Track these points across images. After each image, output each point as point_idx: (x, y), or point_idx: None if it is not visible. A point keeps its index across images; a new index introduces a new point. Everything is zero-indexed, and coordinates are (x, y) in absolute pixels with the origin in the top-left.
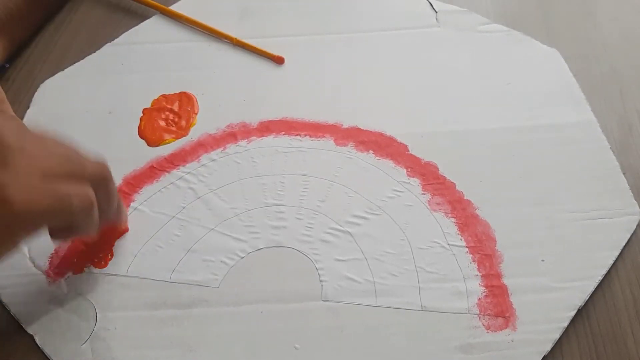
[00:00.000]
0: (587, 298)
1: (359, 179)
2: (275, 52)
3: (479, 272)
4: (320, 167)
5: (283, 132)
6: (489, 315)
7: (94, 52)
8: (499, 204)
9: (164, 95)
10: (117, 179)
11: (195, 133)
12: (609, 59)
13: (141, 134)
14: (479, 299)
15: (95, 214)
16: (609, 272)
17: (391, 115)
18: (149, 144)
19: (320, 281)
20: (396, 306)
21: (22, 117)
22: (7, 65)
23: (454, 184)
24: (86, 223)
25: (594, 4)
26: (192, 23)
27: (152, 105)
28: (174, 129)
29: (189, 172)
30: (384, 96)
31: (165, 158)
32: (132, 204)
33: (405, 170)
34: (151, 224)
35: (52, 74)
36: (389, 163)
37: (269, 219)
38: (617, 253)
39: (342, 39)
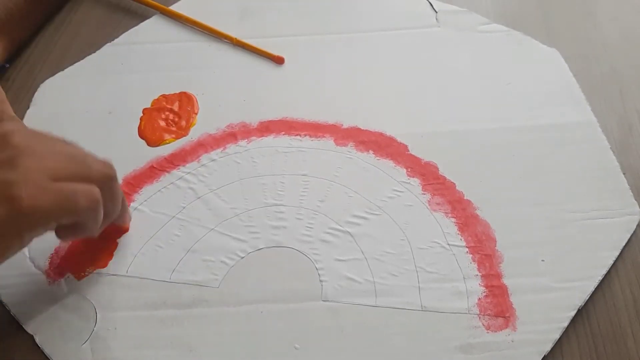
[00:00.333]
0: (587, 298)
1: (359, 179)
2: (275, 52)
3: (479, 272)
4: (320, 167)
5: (283, 132)
6: (489, 315)
7: (94, 52)
8: (499, 204)
9: (164, 95)
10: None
11: (195, 133)
12: (609, 59)
13: (141, 134)
14: (479, 299)
15: (100, 213)
16: (609, 272)
17: (391, 115)
18: (149, 144)
19: (320, 281)
20: (396, 306)
21: (22, 117)
22: (7, 65)
23: (454, 184)
24: (91, 222)
25: (594, 4)
26: (192, 23)
27: (152, 105)
28: (174, 129)
29: (189, 172)
30: (384, 96)
31: (165, 158)
32: (132, 204)
33: (405, 170)
34: (151, 224)
35: (52, 74)
36: (389, 163)
37: (269, 219)
38: (617, 253)
39: (342, 39)
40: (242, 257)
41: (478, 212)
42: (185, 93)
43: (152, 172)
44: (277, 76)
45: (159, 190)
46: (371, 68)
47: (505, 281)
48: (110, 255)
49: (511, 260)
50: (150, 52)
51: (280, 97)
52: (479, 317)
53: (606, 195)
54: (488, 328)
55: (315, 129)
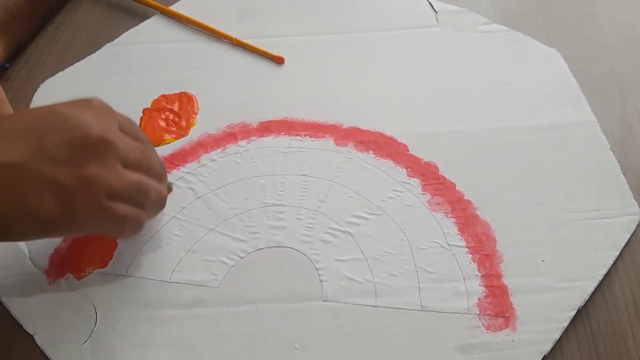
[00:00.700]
0: (587, 298)
1: (359, 179)
2: (275, 52)
3: (479, 272)
4: (320, 167)
5: (283, 132)
6: (489, 315)
7: (94, 52)
8: (499, 204)
9: (164, 95)
10: None
11: (195, 133)
12: (609, 59)
13: None
14: (479, 299)
15: (140, 231)
16: (609, 272)
17: (391, 115)
18: None
19: (320, 281)
20: (396, 306)
21: None
22: (7, 65)
23: (454, 184)
24: (127, 237)
25: (594, 4)
26: (192, 23)
27: (152, 105)
28: (174, 129)
29: (189, 172)
30: (384, 96)
31: (165, 158)
32: None
33: (405, 170)
34: (151, 224)
35: (52, 74)
36: (389, 163)
37: (269, 219)
38: (617, 253)
39: (342, 39)
40: (242, 257)
41: (478, 212)
42: (185, 93)
43: None
44: (277, 76)
45: None
46: (371, 68)
47: (505, 281)
48: (110, 255)
49: (511, 260)
50: (150, 52)
51: (280, 97)
52: (479, 317)
53: (606, 195)
54: (488, 328)
55: (315, 129)
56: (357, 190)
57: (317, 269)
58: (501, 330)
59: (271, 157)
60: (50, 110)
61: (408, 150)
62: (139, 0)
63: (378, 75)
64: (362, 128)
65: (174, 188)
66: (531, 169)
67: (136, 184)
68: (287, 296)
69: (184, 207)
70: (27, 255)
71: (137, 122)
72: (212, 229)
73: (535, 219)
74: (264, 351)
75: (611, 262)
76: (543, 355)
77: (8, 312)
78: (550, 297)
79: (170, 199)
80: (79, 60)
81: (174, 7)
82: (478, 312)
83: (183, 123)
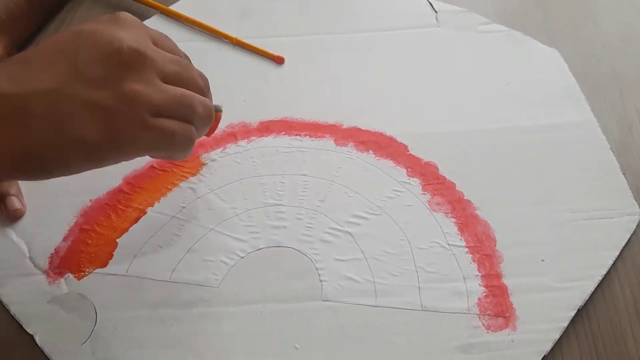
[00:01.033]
0: (587, 298)
1: (359, 179)
2: (275, 52)
3: (479, 272)
4: (320, 167)
5: (283, 132)
6: (489, 315)
7: None
8: (499, 204)
9: None
10: (117, 179)
11: None
12: (609, 59)
13: None
14: (479, 298)
15: (191, 149)
16: (609, 272)
17: (391, 115)
18: None
19: (320, 281)
20: (396, 306)
21: None
22: None
23: (454, 184)
24: (182, 155)
25: (594, 4)
26: (192, 23)
27: None
28: None
29: (189, 172)
30: (384, 96)
31: None
32: (132, 204)
33: (405, 170)
34: (151, 224)
35: None
36: (389, 163)
37: (269, 219)
38: (617, 253)
39: (342, 39)
40: (242, 257)
41: (478, 212)
42: None
43: (152, 172)
44: (277, 76)
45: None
46: (371, 68)
47: (505, 281)
48: (110, 255)
49: (511, 260)
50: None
51: (280, 97)
52: (479, 317)
53: (606, 195)
54: (488, 328)
55: (315, 129)
56: (357, 190)
57: (317, 269)
58: (501, 330)
59: (271, 157)
60: (77, 30)
61: (408, 150)
62: (139, 0)
63: (378, 75)
64: (362, 128)
65: (174, 187)
66: (531, 169)
67: (179, 98)
68: (287, 296)
69: (184, 207)
70: (27, 255)
71: None
72: (212, 228)
73: (535, 219)
74: (264, 351)
75: (611, 262)
76: (543, 355)
77: (8, 312)
78: (550, 297)
79: (170, 199)
80: None
81: (174, 7)
82: (478, 312)
83: None
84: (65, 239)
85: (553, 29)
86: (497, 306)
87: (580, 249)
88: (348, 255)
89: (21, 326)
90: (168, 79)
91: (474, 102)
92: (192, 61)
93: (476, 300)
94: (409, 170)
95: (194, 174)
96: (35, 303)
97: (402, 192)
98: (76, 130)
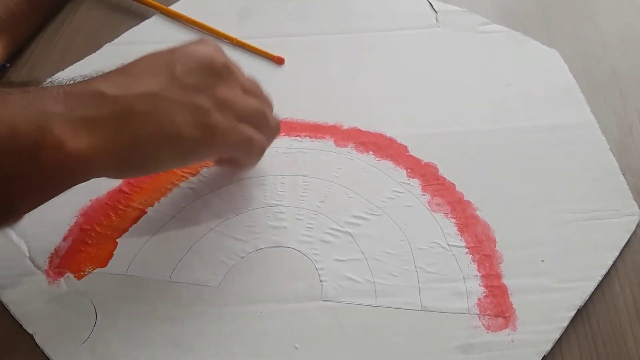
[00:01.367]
0: (587, 298)
1: (359, 180)
2: (275, 52)
3: (479, 273)
4: (321, 168)
5: (283, 133)
6: (488, 315)
7: (94, 52)
8: (499, 205)
9: None
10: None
11: None
12: (608, 60)
13: None
14: (479, 299)
15: (262, 156)
16: (608, 272)
17: (391, 115)
18: None
19: (320, 281)
20: (396, 306)
21: None
22: (8, 65)
23: (454, 184)
24: (254, 160)
25: (594, 4)
26: (192, 23)
27: None
28: None
29: (189, 172)
30: (384, 96)
31: None
32: (132, 204)
33: (405, 171)
34: (151, 223)
35: (52, 74)
36: (389, 164)
37: (269, 219)
38: (617, 253)
39: (342, 39)
40: (242, 257)
41: (478, 212)
42: None
43: None
44: (277, 76)
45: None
46: (371, 68)
47: (505, 281)
48: (110, 255)
49: (511, 261)
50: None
51: (280, 97)
52: (479, 317)
53: (606, 196)
54: (488, 328)
55: (315, 130)
56: (357, 190)
57: (317, 269)
58: (501, 330)
59: (271, 158)
60: (170, 50)
61: (408, 151)
62: (139, 0)
63: (378, 75)
64: (362, 129)
65: (174, 187)
66: (531, 169)
67: (257, 108)
68: (287, 296)
69: (184, 207)
70: (27, 255)
71: None
72: (212, 228)
73: (535, 219)
74: (264, 351)
75: (611, 263)
76: (543, 355)
77: (8, 312)
78: (550, 297)
79: (170, 199)
80: (79, 60)
81: (174, 7)
82: (478, 312)
83: None
84: (65, 239)
85: (553, 29)
86: (497, 306)
87: (580, 249)
88: (348, 256)
89: (21, 326)
90: (246, 91)
91: (473, 102)
92: None
93: (476, 301)
94: (409, 171)
95: (194, 174)
96: (35, 303)
97: (402, 192)
98: (175, 126)
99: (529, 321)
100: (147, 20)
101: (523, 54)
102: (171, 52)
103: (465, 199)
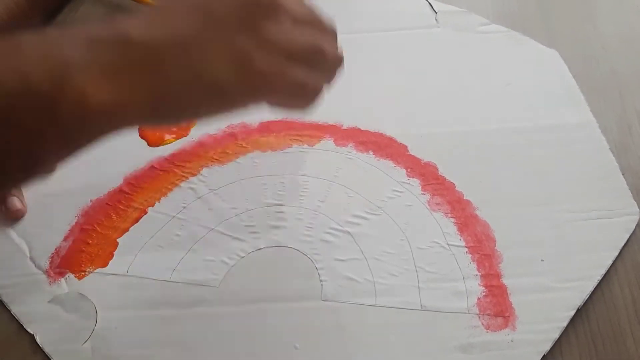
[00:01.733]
0: (586, 298)
1: (358, 180)
2: None
3: (479, 272)
4: (320, 168)
5: (283, 132)
6: (488, 314)
7: None
8: (499, 204)
9: None
10: (118, 179)
11: (195, 133)
12: (608, 60)
13: (142, 134)
14: (479, 298)
15: (318, 101)
16: (608, 272)
17: (391, 115)
18: (149, 144)
19: (320, 281)
20: (396, 306)
21: None
22: None
23: (454, 184)
24: (306, 107)
25: (594, 4)
26: None
27: None
28: (174, 129)
29: (189, 172)
30: (384, 96)
31: (165, 158)
32: (132, 204)
33: (405, 170)
34: (152, 223)
35: None
36: (388, 163)
37: (269, 219)
38: (616, 253)
39: (342, 39)
40: (242, 257)
41: (477, 212)
42: None
43: (152, 172)
44: None
45: (160, 190)
46: (371, 68)
47: (505, 281)
48: (111, 255)
49: (511, 260)
50: None
51: None
52: (479, 317)
53: (606, 196)
54: (487, 328)
55: (315, 129)
56: (357, 190)
57: (317, 269)
58: (501, 329)
59: (271, 158)
60: None
61: (408, 151)
62: (139, 0)
63: (378, 75)
64: (362, 128)
65: (174, 187)
66: (531, 169)
67: (311, 43)
68: (287, 296)
69: (184, 207)
70: (28, 255)
71: None
72: (213, 228)
73: (535, 218)
74: (264, 351)
75: (610, 262)
76: (542, 354)
77: (8, 312)
78: (550, 297)
79: (170, 199)
80: None
81: None
82: (477, 312)
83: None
84: (65, 239)
85: (553, 29)
86: (497, 306)
87: (579, 249)
88: (348, 255)
89: (21, 326)
90: (299, 23)
91: (473, 102)
92: None
93: (476, 300)
94: (409, 170)
95: (194, 174)
96: (35, 303)
97: (401, 192)
98: (213, 73)
99: (529, 321)
100: None
101: (523, 54)
102: None
103: (464, 198)
